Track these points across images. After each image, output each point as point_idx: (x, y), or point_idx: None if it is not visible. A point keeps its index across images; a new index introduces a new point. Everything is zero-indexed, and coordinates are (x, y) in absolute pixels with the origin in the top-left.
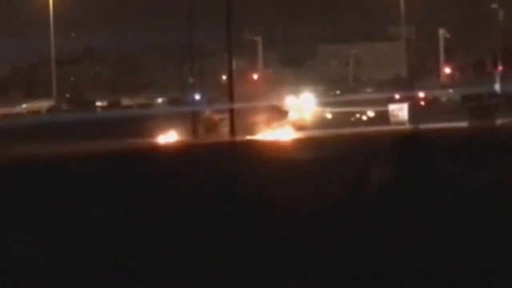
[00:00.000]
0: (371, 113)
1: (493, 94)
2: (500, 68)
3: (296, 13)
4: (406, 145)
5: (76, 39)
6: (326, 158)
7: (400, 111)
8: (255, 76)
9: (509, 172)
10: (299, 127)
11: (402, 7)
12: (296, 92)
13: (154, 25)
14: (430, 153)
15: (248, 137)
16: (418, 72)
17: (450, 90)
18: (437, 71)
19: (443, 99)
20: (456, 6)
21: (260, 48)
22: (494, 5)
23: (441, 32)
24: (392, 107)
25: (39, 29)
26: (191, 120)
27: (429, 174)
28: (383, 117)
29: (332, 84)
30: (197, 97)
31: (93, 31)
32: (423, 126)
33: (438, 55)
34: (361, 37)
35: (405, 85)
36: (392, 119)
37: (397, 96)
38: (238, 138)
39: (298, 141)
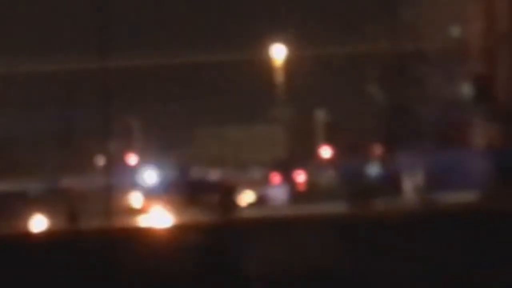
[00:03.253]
0: (251, 197)
1: (372, 177)
2: (380, 151)
3: (173, 94)
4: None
5: None
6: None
7: (279, 194)
8: (133, 158)
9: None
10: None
11: (280, 89)
12: None
13: (29, 109)
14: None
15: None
16: (297, 154)
17: (329, 172)
18: (316, 153)
19: (323, 181)
20: (338, 87)
21: (137, 130)
22: (374, 88)
23: (320, 114)
24: (271, 190)
25: None
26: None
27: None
28: (262, 200)
29: (211, 167)
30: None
31: None
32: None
33: (317, 137)
34: (240, 120)
35: (285, 167)
36: (271, 202)
37: (276, 179)
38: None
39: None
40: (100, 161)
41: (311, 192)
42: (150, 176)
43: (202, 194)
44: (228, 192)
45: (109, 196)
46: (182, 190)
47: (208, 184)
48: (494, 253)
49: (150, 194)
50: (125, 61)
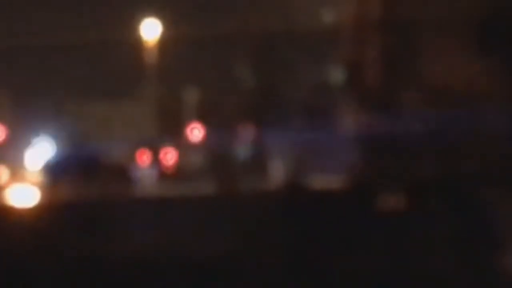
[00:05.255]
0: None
1: (240, 158)
2: (249, 132)
3: (43, 70)
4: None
5: None
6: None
7: (148, 177)
8: (1, 132)
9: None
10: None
11: (151, 67)
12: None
13: None
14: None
15: None
16: (166, 133)
17: (198, 152)
18: (186, 133)
19: (192, 161)
20: (209, 66)
21: (6, 102)
22: (242, 68)
23: (190, 92)
24: (141, 172)
25: None
26: None
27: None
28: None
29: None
30: None
31: None
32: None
33: (188, 116)
34: (109, 95)
35: (152, 146)
36: (138, 182)
37: (143, 158)
38: None
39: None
40: None
41: (179, 173)
42: (42, 150)
43: (98, 170)
44: (123, 169)
45: None
46: (78, 166)
47: (104, 160)
48: (356, 238)
49: (44, 171)
50: None
